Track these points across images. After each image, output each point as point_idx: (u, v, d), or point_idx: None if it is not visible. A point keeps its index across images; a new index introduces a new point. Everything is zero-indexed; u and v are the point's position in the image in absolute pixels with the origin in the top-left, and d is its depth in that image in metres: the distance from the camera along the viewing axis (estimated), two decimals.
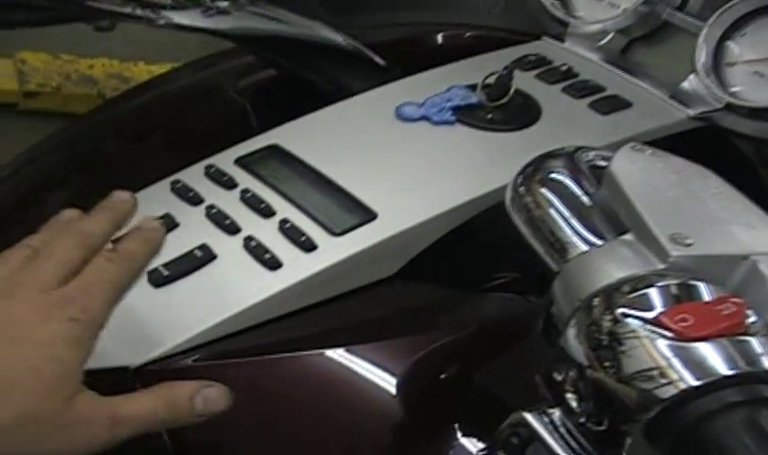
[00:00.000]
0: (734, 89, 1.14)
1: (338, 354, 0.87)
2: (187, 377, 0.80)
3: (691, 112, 1.13)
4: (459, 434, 0.83)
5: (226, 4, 1.14)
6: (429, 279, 0.95)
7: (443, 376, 0.87)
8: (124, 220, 0.80)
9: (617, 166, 0.74)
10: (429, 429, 0.84)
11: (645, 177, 0.73)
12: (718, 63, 1.15)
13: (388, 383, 0.85)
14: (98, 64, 2.74)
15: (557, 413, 0.69)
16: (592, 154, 0.81)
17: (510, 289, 0.98)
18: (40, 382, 0.68)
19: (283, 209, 0.95)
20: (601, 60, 1.23)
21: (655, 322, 0.62)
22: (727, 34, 1.15)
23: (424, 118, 1.08)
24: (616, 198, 0.72)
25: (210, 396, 0.76)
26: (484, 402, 0.87)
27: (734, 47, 1.15)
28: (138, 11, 1.08)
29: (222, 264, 0.90)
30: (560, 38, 1.27)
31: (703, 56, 1.14)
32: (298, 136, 1.06)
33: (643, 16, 1.22)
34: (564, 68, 1.19)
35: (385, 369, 0.86)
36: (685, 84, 1.15)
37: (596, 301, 0.65)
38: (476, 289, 0.98)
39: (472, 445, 0.83)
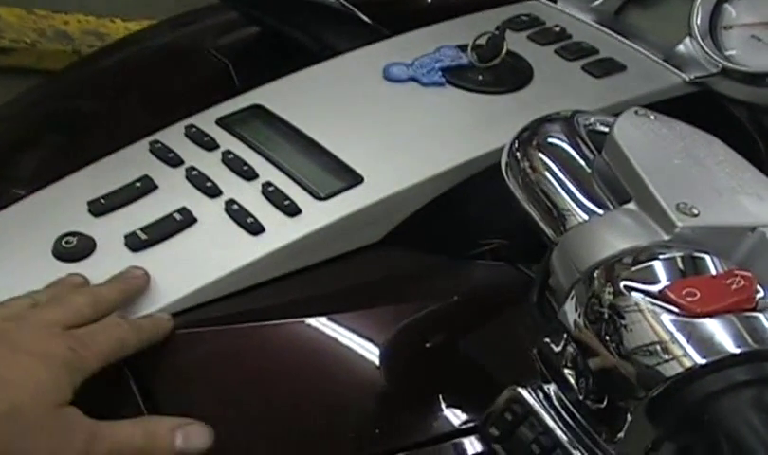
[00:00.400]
0: (730, 53, 1.12)
1: (322, 322, 0.84)
2: (166, 345, 0.80)
3: (686, 76, 1.11)
4: (445, 405, 0.81)
5: None
6: (416, 245, 0.93)
7: (429, 345, 0.85)
8: (135, 294, 0.83)
9: (620, 131, 0.72)
10: (416, 400, 0.82)
11: (649, 143, 0.70)
12: (714, 27, 1.13)
13: (373, 352, 0.83)
14: (73, 21, 2.70)
15: (552, 389, 0.68)
16: (590, 119, 0.79)
17: (499, 256, 0.96)
18: (34, 383, 0.71)
19: (266, 172, 0.93)
20: (594, 21, 1.20)
21: (660, 296, 0.60)
22: None
23: (412, 79, 1.06)
24: (619, 165, 0.70)
25: (191, 433, 0.75)
26: (472, 373, 0.85)
27: (731, 10, 1.13)
28: None
29: (202, 229, 0.88)
30: None
31: (699, 19, 1.12)
32: (282, 96, 1.04)
33: None
34: (557, 29, 1.17)
35: (370, 337, 0.84)
36: (681, 48, 1.13)
37: (597, 273, 0.63)
38: (465, 256, 0.96)
39: (459, 416, 0.81)
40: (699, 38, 1.11)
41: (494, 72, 1.06)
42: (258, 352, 0.84)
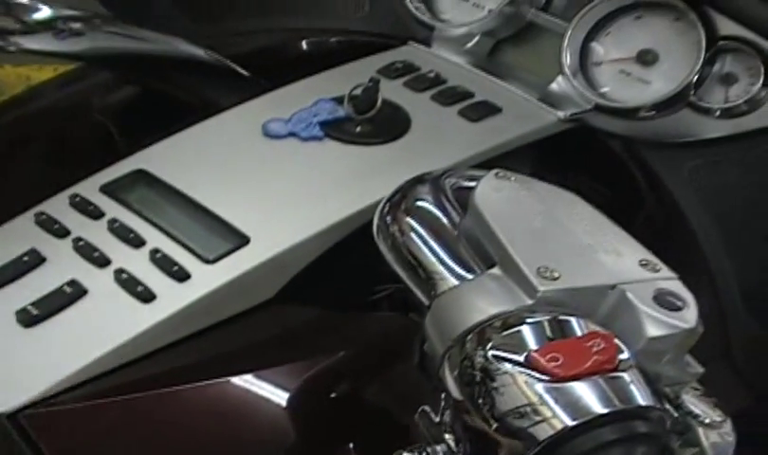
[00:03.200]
0: (603, 90, 1.15)
1: (221, 385, 0.85)
2: (63, 419, 0.79)
3: (561, 114, 1.13)
4: None
5: (79, 25, 1.11)
6: (309, 299, 0.94)
7: (326, 401, 0.86)
8: None
9: (481, 196, 0.73)
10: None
11: (509, 207, 0.72)
12: (584, 64, 1.15)
13: (271, 411, 0.84)
14: None
15: (440, 450, 0.68)
16: (458, 178, 0.80)
17: (396, 303, 0.97)
18: None
19: (154, 238, 0.93)
20: (469, 63, 1.22)
21: (527, 363, 0.61)
22: (591, 34, 1.16)
23: (291, 134, 1.06)
24: (481, 230, 0.71)
25: None
26: (365, 432, 0.86)
27: (599, 47, 1.16)
28: None
29: (93, 300, 0.88)
30: (427, 42, 1.26)
31: (569, 57, 1.15)
32: (164, 159, 1.03)
33: (507, 17, 1.22)
34: (432, 75, 1.18)
35: (266, 396, 0.85)
36: (554, 86, 1.15)
37: (468, 339, 0.64)
38: (361, 305, 0.97)
39: None
40: (570, 76, 1.14)
41: (371, 123, 1.06)
42: (159, 418, 0.84)
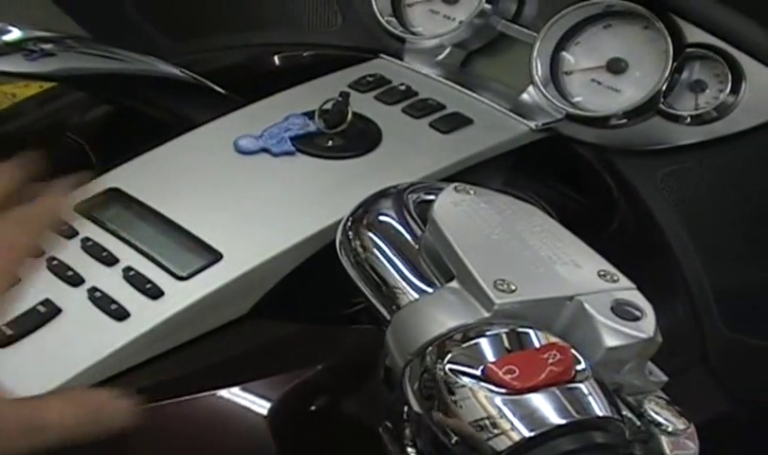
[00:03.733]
0: (574, 99, 1.16)
1: (196, 401, 0.85)
2: None
3: (533, 124, 1.13)
4: None
5: (50, 46, 1.11)
6: (283, 314, 0.94)
7: (302, 416, 0.87)
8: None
9: (439, 209, 0.73)
10: None
11: (468, 220, 0.72)
12: (555, 74, 1.16)
13: (246, 426, 0.85)
14: None
15: None
16: (422, 192, 0.80)
17: (369, 314, 0.95)
18: None
19: (127, 256, 0.93)
20: (440, 76, 1.22)
21: (484, 376, 0.61)
22: (561, 44, 1.17)
23: (263, 150, 1.06)
24: (440, 244, 0.71)
25: (118, 408, 0.62)
26: (350, 437, 0.87)
27: (569, 57, 1.16)
28: None
29: (67, 319, 0.88)
30: (399, 55, 1.26)
31: (539, 67, 1.16)
32: (137, 177, 1.03)
33: (478, 29, 1.23)
34: (403, 88, 1.18)
35: (241, 412, 0.85)
36: (526, 96, 1.16)
37: (427, 353, 0.65)
38: (334, 319, 0.97)
39: None
40: (541, 86, 1.15)
41: (343, 137, 1.07)
42: (133, 436, 0.79)
